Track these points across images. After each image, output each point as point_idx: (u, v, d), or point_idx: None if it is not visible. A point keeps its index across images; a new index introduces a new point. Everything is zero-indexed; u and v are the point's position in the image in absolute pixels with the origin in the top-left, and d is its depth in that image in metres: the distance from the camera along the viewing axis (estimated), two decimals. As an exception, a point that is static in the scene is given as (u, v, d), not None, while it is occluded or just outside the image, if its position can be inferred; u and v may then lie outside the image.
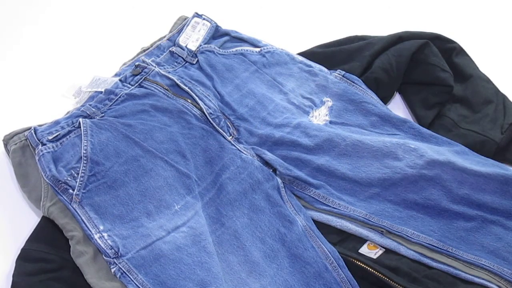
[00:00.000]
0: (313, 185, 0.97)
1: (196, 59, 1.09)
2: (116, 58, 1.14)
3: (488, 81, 1.14)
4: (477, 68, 1.16)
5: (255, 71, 1.08)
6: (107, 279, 0.87)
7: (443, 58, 1.13)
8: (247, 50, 1.11)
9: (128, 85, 1.03)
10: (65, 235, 0.92)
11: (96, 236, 0.88)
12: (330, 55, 1.15)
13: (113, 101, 1.01)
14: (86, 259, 0.89)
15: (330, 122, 1.03)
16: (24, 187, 0.98)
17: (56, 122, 0.99)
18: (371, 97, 1.06)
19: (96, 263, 0.89)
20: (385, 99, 1.14)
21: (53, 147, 0.96)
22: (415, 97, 1.13)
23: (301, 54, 1.17)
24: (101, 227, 0.89)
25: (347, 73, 1.08)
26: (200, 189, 0.95)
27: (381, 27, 1.24)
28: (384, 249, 0.93)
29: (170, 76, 1.04)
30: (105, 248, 0.87)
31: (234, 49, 1.11)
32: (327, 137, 1.00)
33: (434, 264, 0.91)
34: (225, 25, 1.18)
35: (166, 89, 1.02)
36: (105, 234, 0.88)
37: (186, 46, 1.10)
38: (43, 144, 0.96)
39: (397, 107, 1.17)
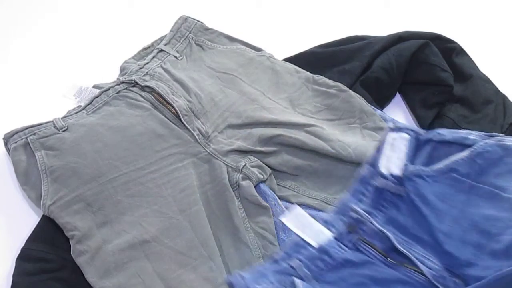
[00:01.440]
0: None
1: (404, 189, 0.93)
2: (117, 58, 1.14)
3: (488, 81, 1.14)
4: (477, 68, 1.16)
5: (470, 188, 0.90)
6: (108, 278, 0.88)
7: (443, 58, 1.14)
8: (455, 162, 0.92)
9: (344, 247, 0.91)
10: (66, 234, 0.92)
11: None
12: (330, 55, 1.15)
13: (328, 264, 0.89)
14: (87, 258, 0.89)
15: None
16: (25, 186, 0.98)
17: (262, 274, 0.87)
18: None
19: (96, 262, 0.89)
20: (386, 99, 1.14)
21: None
22: (415, 97, 1.13)
23: (301, 54, 1.17)
24: None
25: None
26: None
27: (381, 27, 1.23)
28: None
29: (387, 234, 0.91)
30: None
31: (442, 165, 0.92)
32: None
33: None
34: (224, 25, 1.18)
35: (384, 256, 0.90)
36: None
37: (390, 174, 0.94)
38: None
39: (397, 107, 1.17)
